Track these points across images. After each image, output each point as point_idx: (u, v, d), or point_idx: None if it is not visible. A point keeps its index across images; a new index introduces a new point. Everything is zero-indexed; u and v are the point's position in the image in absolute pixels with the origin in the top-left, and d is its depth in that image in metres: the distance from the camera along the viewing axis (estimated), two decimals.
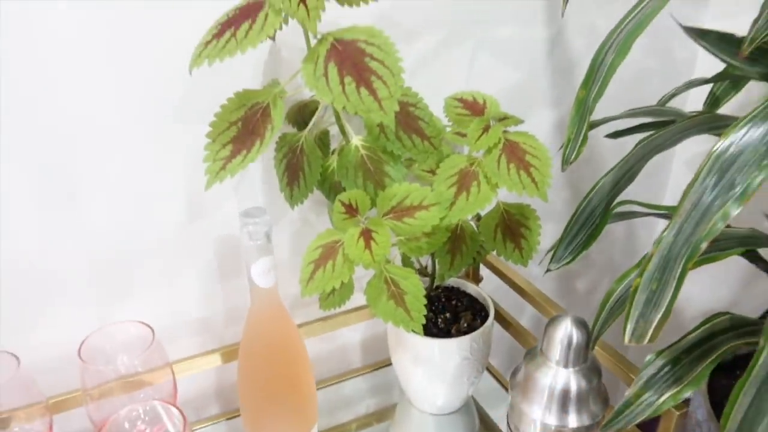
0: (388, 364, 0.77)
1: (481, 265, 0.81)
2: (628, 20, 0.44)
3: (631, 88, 0.86)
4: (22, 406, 0.54)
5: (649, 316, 0.41)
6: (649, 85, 0.87)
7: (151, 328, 0.57)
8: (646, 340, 0.41)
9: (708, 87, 0.71)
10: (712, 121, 0.52)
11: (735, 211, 0.37)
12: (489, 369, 0.79)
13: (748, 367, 0.43)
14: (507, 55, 0.74)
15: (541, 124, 0.81)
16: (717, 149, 0.39)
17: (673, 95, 0.73)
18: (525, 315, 0.92)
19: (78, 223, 0.60)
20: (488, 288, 0.75)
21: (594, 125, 0.69)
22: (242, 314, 0.60)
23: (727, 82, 0.69)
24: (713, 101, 0.70)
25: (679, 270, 0.39)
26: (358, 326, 0.81)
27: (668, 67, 0.87)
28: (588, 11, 0.73)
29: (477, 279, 0.81)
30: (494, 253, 0.61)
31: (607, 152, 0.87)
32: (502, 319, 0.76)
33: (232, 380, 0.75)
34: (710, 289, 0.95)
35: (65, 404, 0.61)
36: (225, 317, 0.72)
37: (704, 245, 0.38)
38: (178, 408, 0.47)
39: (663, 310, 0.40)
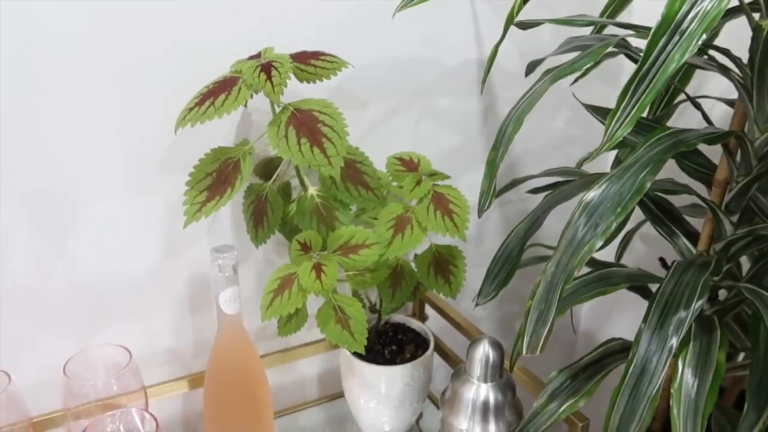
0: (341, 395, 0.85)
1: (428, 306, 0.90)
2: (523, 100, 0.56)
3: (558, 151, 0.99)
4: (9, 423, 0.61)
5: (539, 330, 0.51)
6: (573, 148, 1.01)
7: (128, 350, 0.65)
8: (538, 351, 0.51)
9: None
10: (593, 180, 0.64)
11: (599, 245, 0.48)
12: (435, 401, 0.88)
13: (622, 375, 0.54)
14: (447, 122, 0.87)
15: (476, 181, 0.93)
16: (585, 199, 0.50)
17: (586, 159, 0.87)
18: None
19: (65, 254, 0.68)
20: (435, 328, 0.84)
21: (518, 182, 0.81)
22: (209, 347, 0.68)
23: (629, 148, 0.82)
24: (618, 162, 0.83)
25: (558, 293, 0.49)
26: (315, 360, 0.89)
27: (590, 133, 1.01)
28: (514, 86, 0.87)
29: (422, 317, 0.90)
30: (440, 295, 0.71)
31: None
32: (444, 353, 0.85)
33: (198, 408, 0.82)
34: (614, 319, 1.08)
35: (47, 424, 0.68)
36: (194, 349, 0.80)
37: (576, 272, 0.49)
38: (150, 414, 0.55)
39: (549, 325, 0.50)
